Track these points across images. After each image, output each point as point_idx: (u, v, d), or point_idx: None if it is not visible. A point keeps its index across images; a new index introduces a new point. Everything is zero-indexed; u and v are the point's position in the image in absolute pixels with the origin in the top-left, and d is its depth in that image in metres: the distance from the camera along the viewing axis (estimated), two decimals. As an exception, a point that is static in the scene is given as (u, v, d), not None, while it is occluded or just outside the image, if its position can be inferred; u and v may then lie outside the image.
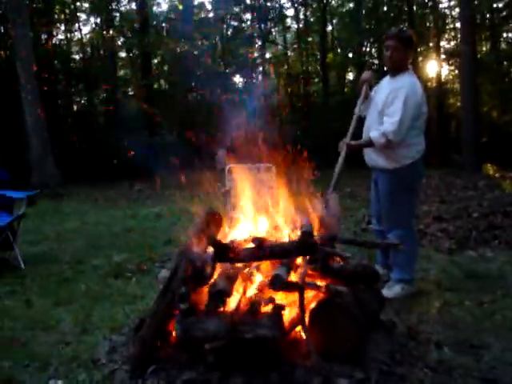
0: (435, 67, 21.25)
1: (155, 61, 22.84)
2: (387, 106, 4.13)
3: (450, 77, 24.34)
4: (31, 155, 14.13)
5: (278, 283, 2.58)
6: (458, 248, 5.93)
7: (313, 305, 2.66)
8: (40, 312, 4.23)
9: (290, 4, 23.12)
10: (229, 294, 2.63)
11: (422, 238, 6.35)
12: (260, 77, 23.39)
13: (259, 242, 2.68)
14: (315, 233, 2.99)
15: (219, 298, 2.59)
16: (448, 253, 5.75)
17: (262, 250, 2.66)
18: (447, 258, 5.55)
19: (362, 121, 4.60)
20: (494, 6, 20.23)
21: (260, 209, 3.30)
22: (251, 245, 2.74)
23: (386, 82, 4.41)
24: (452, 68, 23.22)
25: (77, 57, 23.25)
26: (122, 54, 24.40)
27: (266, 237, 2.95)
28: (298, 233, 2.92)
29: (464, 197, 9.56)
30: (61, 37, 22.60)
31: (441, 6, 22.55)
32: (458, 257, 5.56)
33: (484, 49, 23.61)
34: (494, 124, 20.87)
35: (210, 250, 2.74)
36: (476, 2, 17.28)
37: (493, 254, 5.62)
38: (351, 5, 25.12)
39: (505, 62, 20.32)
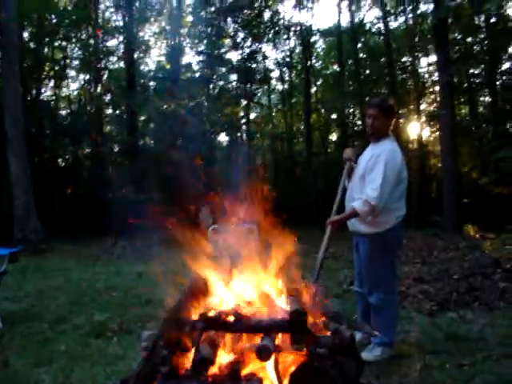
0: (416, 129, 21.69)
1: (141, 118, 23.10)
2: (368, 172, 4.25)
3: (431, 138, 24.84)
4: (15, 210, 14.08)
5: (264, 354, 2.59)
6: (439, 310, 5.97)
7: (292, 368, 2.67)
8: (18, 373, 4.16)
9: (275, 66, 23.68)
10: (212, 362, 2.63)
11: (403, 299, 6.38)
12: (245, 136, 23.74)
13: (245, 316, 2.70)
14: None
15: (202, 365, 2.60)
16: (429, 314, 5.79)
17: (249, 323, 2.68)
18: (428, 319, 5.59)
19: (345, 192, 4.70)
20: (471, 71, 20.96)
21: (244, 273, 3.29)
22: (238, 316, 2.75)
23: (369, 149, 4.56)
24: (433, 129, 23.69)
25: (64, 112, 23.48)
26: (109, 111, 24.68)
27: (251, 308, 2.97)
28: (287, 308, 2.91)
29: (445, 258, 9.65)
30: (49, 92, 22.90)
31: (420, 70, 23.25)
32: (438, 319, 5.60)
33: (463, 111, 24.26)
34: (474, 185, 21.17)
35: (197, 317, 2.75)
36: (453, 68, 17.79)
37: (473, 316, 5.66)
38: (335, 67, 25.92)
39: (483, 125, 20.84)
